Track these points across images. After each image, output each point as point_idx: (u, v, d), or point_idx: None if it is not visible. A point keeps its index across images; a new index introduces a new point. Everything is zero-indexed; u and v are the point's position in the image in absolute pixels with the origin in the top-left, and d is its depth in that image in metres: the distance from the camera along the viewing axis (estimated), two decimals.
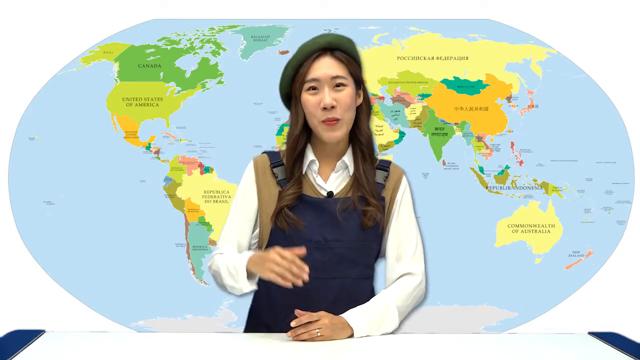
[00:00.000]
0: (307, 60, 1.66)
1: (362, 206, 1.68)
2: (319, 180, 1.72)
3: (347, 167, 1.72)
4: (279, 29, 2.26)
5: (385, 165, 1.75)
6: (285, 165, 1.71)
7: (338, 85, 1.65)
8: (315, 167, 1.72)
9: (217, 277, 1.69)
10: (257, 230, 1.74)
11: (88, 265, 2.24)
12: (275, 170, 1.73)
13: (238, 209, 1.74)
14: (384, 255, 1.77)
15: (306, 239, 1.66)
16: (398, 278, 1.73)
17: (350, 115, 1.68)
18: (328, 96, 1.63)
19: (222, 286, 1.68)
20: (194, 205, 2.29)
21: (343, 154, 1.73)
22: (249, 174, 1.75)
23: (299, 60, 1.67)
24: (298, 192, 1.68)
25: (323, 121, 1.65)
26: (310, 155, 1.72)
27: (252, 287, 1.62)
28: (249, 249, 1.73)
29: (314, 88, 1.65)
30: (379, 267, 1.82)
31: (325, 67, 1.65)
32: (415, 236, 1.74)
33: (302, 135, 1.70)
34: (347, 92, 1.65)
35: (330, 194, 1.71)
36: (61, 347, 1.50)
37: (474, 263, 2.23)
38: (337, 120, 1.65)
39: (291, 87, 1.70)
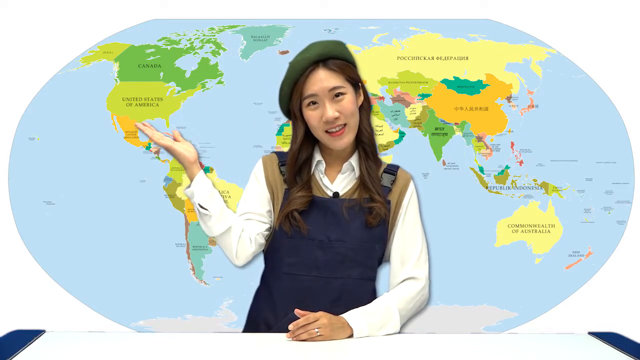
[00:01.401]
0: (301, 77, 1.64)
1: (367, 203, 1.68)
2: (325, 180, 1.72)
3: (353, 169, 1.72)
4: (279, 29, 2.25)
5: (393, 170, 1.75)
6: (288, 177, 1.71)
7: (337, 95, 1.64)
8: (322, 167, 1.72)
9: (221, 246, 1.73)
10: (269, 225, 1.74)
11: (88, 265, 2.24)
12: (282, 168, 1.73)
13: (248, 189, 1.76)
14: (388, 260, 1.77)
15: (309, 237, 1.67)
16: (401, 282, 1.73)
17: (356, 119, 1.68)
18: (330, 110, 1.62)
19: (222, 246, 1.73)
20: None
21: (349, 155, 1.73)
22: (259, 170, 1.75)
23: (293, 79, 1.65)
24: (308, 197, 1.68)
25: (328, 132, 1.65)
26: (317, 156, 1.73)
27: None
28: (264, 237, 1.74)
29: (313, 102, 1.65)
30: (383, 271, 1.82)
31: (321, 80, 1.63)
32: (420, 241, 1.74)
33: (302, 149, 1.70)
34: (348, 99, 1.65)
35: (336, 194, 1.71)
36: (61, 347, 1.50)
37: (474, 263, 2.23)
38: (343, 126, 1.65)
39: (289, 104, 1.70)
